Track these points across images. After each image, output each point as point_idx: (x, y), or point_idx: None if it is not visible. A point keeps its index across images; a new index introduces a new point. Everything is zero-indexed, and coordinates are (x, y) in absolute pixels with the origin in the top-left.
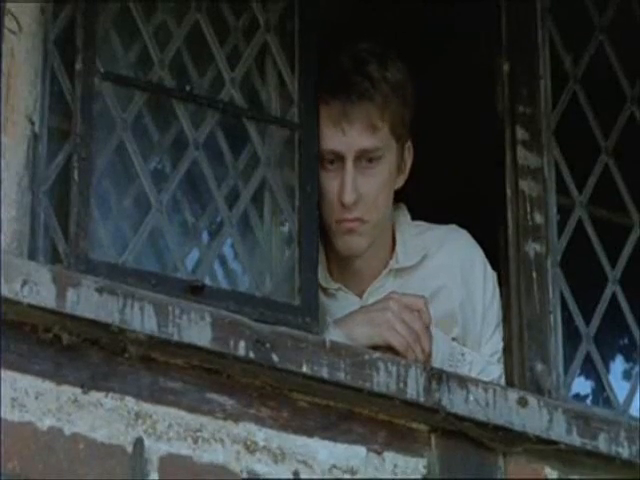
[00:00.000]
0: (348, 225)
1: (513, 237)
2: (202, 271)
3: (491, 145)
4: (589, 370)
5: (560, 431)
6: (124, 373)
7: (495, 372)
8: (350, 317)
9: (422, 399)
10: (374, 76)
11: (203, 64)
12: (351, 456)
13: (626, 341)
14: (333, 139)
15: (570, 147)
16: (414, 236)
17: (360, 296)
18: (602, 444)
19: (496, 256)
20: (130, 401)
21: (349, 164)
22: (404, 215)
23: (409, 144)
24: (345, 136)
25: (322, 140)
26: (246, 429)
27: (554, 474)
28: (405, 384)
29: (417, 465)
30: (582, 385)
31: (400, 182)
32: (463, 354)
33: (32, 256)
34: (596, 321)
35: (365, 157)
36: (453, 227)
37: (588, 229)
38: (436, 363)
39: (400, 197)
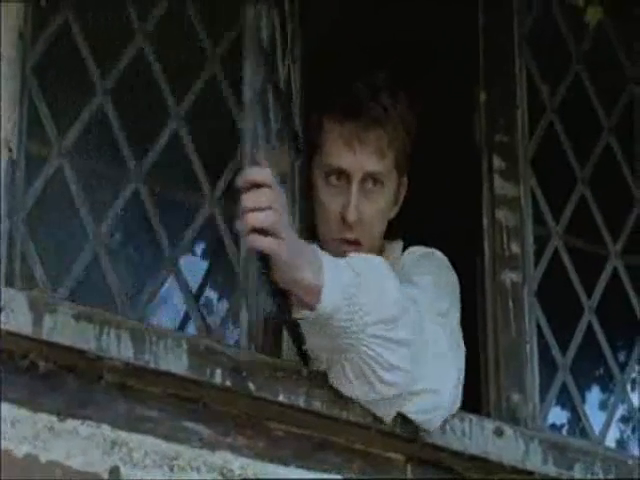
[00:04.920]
0: (347, 247)
1: (489, 266)
2: None
3: (468, 174)
4: (565, 400)
5: (536, 461)
6: (100, 401)
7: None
8: None
9: (398, 429)
10: (387, 105)
11: None
12: None
13: (602, 371)
14: (343, 158)
15: (547, 177)
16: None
17: None
18: (578, 474)
19: (473, 285)
20: (106, 429)
21: (355, 184)
22: (397, 250)
23: (405, 178)
24: (356, 157)
25: (331, 157)
26: (222, 457)
27: None
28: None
29: None
30: (558, 415)
31: (393, 213)
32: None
33: (9, 282)
34: (572, 351)
35: (370, 180)
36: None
37: (564, 259)
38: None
39: None
